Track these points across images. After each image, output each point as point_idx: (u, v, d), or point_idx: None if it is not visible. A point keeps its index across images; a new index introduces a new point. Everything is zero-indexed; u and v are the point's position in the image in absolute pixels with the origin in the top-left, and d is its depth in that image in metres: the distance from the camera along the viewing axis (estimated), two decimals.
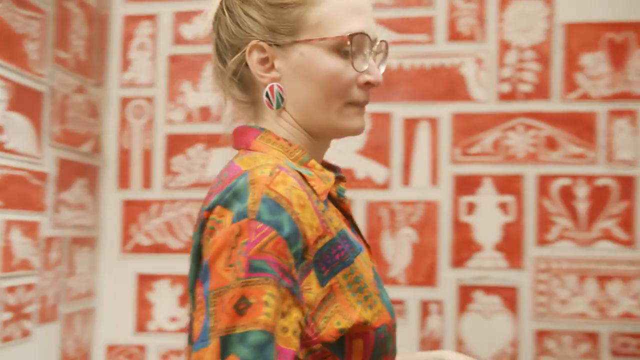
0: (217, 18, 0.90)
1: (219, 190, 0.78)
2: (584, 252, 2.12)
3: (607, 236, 2.11)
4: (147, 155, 2.28)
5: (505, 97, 2.17)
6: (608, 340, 2.10)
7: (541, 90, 2.15)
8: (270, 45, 0.85)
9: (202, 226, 0.78)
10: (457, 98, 2.17)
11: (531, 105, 2.15)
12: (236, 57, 0.87)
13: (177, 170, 2.28)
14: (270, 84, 0.86)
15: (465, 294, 2.16)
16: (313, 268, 0.77)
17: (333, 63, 0.84)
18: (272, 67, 0.86)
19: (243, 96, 0.90)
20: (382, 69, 0.92)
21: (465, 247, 2.17)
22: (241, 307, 0.70)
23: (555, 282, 2.13)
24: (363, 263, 0.85)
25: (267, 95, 0.86)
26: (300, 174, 0.83)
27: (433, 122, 2.18)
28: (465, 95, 2.18)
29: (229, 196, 0.75)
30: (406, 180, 2.19)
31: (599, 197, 2.12)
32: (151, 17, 2.30)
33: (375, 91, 0.91)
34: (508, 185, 2.16)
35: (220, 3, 0.90)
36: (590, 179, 2.13)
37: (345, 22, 0.84)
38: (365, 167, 2.19)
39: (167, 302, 2.25)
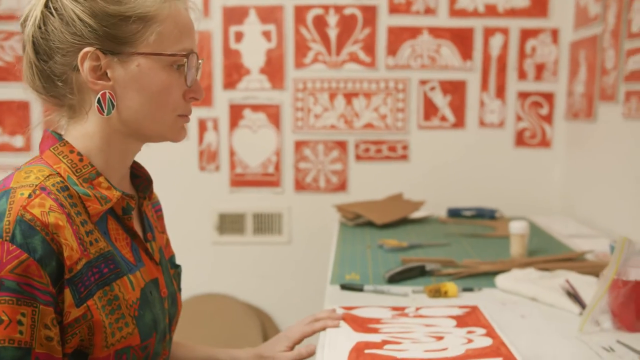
0: (43, 17, 0.87)
1: None
2: (334, 73, 2.48)
3: (353, 59, 2.48)
4: None
5: None
6: (353, 146, 2.52)
7: None
8: (104, 54, 0.86)
9: None
10: None
11: None
12: (64, 60, 0.87)
13: None
14: (103, 91, 0.87)
15: (236, 111, 2.51)
16: (68, 286, 0.79)
17: (167, 77, 0.89)
18: (105, 74, 0.87)
19: (63, 99, 0.90)
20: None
21: (235, 71, 2.49)
22: None
23: (310, 99, 2.50)
24: (128, 283, 0.88)
25: (99, 101, 0.87)
26: (78, 194, 0.86)
27: None
28: None
29: None
30: None
31: (347, 25, 2.46)
32: None
33: None
34: (270, 15, 2.46)
35: (46, 1, 0.87)
36: (339, 8, 2.45)
37: (180, 40, 0.90)
38: None
39: None
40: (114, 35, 0.87)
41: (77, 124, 0.91)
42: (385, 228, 2.07)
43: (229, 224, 2.56)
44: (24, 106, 2.51)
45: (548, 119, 2.47)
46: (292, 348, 1.16)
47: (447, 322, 1.12)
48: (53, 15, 0.86)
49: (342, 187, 2.53)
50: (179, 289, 1.07)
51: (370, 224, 2.11)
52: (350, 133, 2.51)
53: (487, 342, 1.01)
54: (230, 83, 2.49)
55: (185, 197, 2.55)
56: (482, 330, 1.06)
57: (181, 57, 0.90)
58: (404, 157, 2.51)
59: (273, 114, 2.51)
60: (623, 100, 1.93)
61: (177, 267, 1.10)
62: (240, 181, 2.54)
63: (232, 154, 2.53)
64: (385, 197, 2.33)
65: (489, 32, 2.44)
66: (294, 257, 2.57)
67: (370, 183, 2.51)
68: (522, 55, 2.45)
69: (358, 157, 2.52)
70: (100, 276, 0.84)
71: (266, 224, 2.56)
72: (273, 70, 2.49)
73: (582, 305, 1.22)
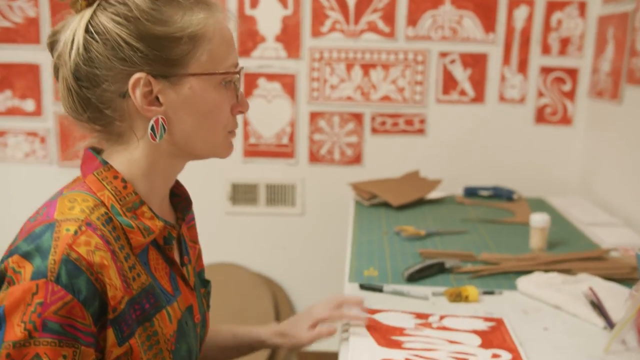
0: (85, 42, 0.81)
1: (27, 232, 0.78)
2: (351, 43, 2.41)
3: (372, 29, 2.40)
4: None
5: None
6: (369, 119, 2.47)
7: None
8: (156, 78, 0.82)
9: (2, 270, 0.77)
10: None
11: None
12: (112, 87, 0.82)
13: None
14: (156, 117, 0.83)
15: (251, 80, 2.45)
16: (111, 326, 0.78)
17: (218, 96, 0.86)
18: (156, 99, 0.83)
19: (110, 126, 0.86)
20: None
21: (250, 38, 2.42)
22: None
23: (326, 69, 2.44)
24: (166, 317, 0.87)
25: (152, 128, 0.83)
26: (121, 225, 0.83)
27: None
28: None
29: (32, 249, 0.75)
30: None
31: None
32: None
33: None
34: None
35: (87, 26, 0.81)
36: None
37: (228, 54, 0.86)
38: None
39: None
40: (166, 59, 0.82)
41: (125, 150, 0.87)
42: (401, 209, 2.05)
43: (242, 194, 2.54)
44: (34, 69, 2.46)
45: (570, 95, 2.41)
46: (314, 327, 1.16)
47: (472, 339, 1.11)
48: (96, 41, 0.81)
49: (357, 160, 2.49)
50: (208, 307, 1.06)
51: (386, 204, 2.09)
52: (367, 105, 2.46)
53: None
54: (244, 51, 2.42)
55: (199, 166, 2.50)
56: (508, 356, 1.04)
57: (234, 74, 0.87)
58: (420, 132, 2.46)
59: (288, 84, 2.45)
60: None
61: (207, 284, 1.08)
62: (253, 151, 2.51)
63: (245, 123, 2.48)
64: (402, 175, 2.30)
65: (513, 4, 2.35)
66: (306, 229, 2.55)
67: (386, 157, 2.48)
68: (547, 28, 2.37)
69: (374, 130, 2.47)
70: (142, 312, 0.83)
71: (279, 195, 2.54)
72: (289, 38, 2.41)
73: (606, 317, 1.20)
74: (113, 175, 0.85)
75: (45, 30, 2.43)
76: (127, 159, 0.87)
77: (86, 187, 0.84)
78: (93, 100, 0.83)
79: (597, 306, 1.24)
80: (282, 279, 2.60)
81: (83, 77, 0.82)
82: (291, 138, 2.49)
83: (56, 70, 0.85)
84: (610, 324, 1.19)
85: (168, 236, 0.90)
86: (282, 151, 2.50)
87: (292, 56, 2.43)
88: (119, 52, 0.80)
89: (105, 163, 0.86)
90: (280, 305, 2.58)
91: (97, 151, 0.88)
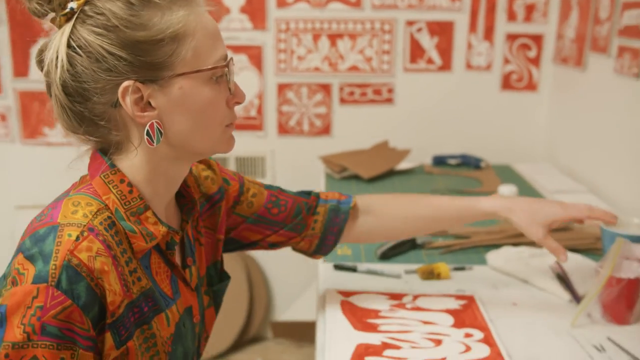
0: (69, 57, 0.80)
1: (32, 230, 0.80)
2: (318, 13, 2.39)
3: None
4: None
5: None
6: (338, 90, 2.46)
7: None
8: (144, 83, 0.81)
9: (9, 268, 0.79)
10: None
11: None
12: (102, 99, 0.82)
13: None
14: (150, 122, 0.83)
15: None
16: (109, 330, 0.79)
17: (209, 91, 0.84)
18: (148, 104, 0.83)
19: (107, 136, 0.86)
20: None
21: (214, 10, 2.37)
22: None
23: (293, 40, 2.41)
24: (164, 319, 0.88)
25: (147, 134, 0.83)
26: (124, 230, 0.83)
27: None
28: None
29: (35, 252, 0.77)
30: None
31: None
32: None
33: None
34: None
35: (68, 41, 0.80)
36: None
37: (214, 48, 0.84)
38: None
39: None
40: (150, 63, 0.81)
41: (126, 158, 0.87)
42: (372, 181, 2.07)
43: None
44: None
45: (535, 61, 2.43)
46: (546, 227, 1.13)
47: (445, 319, 1.14)
48: (79, 55, 0.80)
49: (326, 130, 2.50)
50: (219, 304, 1.06)
51: (357, 177, 2.10)
52: (335, 76, 2.45)
53: (485, 351, 1.03)
54: None
55: None
56: (480, 335, 1.08)
57: (222, 68, 0.86)
58: (389, 101, 2.46)
59: (255, 56, 2.42)
60: (615, 55, 1.89)
61: (223, 278, 1.07)
62: None
63: None
64: (371, 147, 2.31)
65: None
66: None
67: (355, 127, 2.48)
68: None
69: (342, 101, 2.47)
70: (141, 315, 0.84)
71: (249, 167, 2.54)
72: (254, 9, 2.38)
73: (572, 291, 1.25)
74: (120, 179, 0.86)
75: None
76: (129, 165, 0.87)
77: (92, 190, 0.85)
78: (86, 114, 0.83)
79: (563, 279, 1.28)
80: (254, 251, 2.62)
81: (73, 92, 0.82)
82: (259, 110, 2.48)
83: (48, 88, 0.85)
84: (576, 298, 1.23)
85: (171, 241, 0.90)
86: (251, 123, 2.49)
87: (257, 27, 2.39)
88: (104, 64, 0.80)
89: (113, 166, 0.86)
90: (253, 276, 2.61)
91: (105, 152, 0.88)
